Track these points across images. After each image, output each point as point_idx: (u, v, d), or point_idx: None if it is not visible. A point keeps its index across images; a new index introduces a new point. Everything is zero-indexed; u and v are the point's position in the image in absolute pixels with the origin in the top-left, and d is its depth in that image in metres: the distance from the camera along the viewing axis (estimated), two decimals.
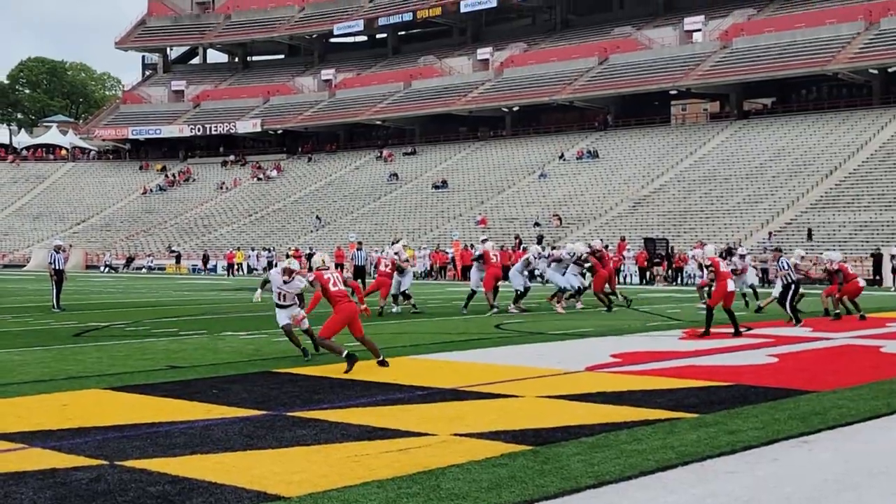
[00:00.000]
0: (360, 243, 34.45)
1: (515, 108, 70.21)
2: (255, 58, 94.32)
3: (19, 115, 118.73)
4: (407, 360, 12.84)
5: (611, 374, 11.38)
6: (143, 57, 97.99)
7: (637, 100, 65.94)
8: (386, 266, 21.73)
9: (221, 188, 75.52)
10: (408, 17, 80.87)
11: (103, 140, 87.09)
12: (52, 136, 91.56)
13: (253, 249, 57.40)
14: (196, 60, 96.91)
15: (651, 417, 8.26)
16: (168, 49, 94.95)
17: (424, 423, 8.07)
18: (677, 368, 11.76)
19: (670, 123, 65.40)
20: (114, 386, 10.38)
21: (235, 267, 54.41)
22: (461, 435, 7.54)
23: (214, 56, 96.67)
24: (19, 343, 15.16)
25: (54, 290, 22.76)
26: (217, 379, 10.92)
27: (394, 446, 7.10)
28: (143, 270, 58.65)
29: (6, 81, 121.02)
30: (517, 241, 45.23)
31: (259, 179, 75.86)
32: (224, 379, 10.93)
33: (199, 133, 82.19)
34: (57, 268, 23.17)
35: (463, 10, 77.43)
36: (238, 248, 57.05)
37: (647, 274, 41.78)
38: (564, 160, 62.73)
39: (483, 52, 76.08)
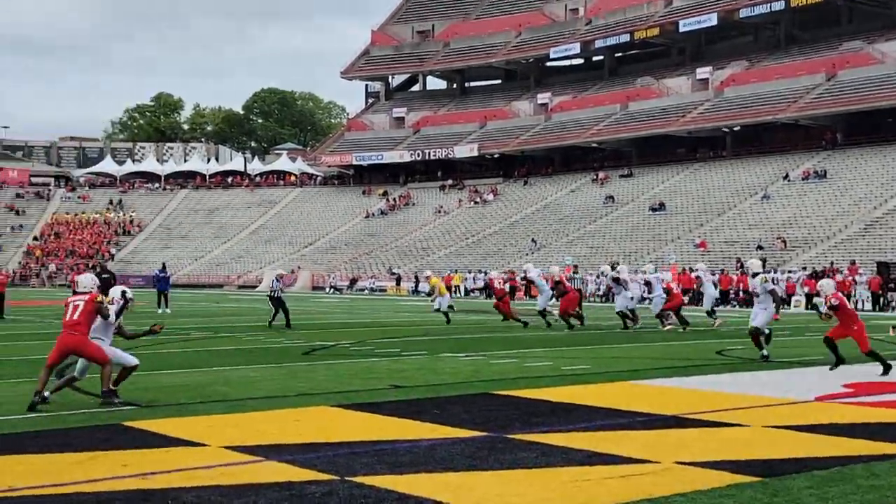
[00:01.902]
0: (575, 266, 34.40)
1: (736, 128, 68.20)
2: (472, 83, 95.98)
3: (253, 144, 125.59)
4: (627, 386, 12.68)
5: (843, 404, 10.84)
6: (367, 85, 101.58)
7: (868, 117, 62.65)
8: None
9: (439, 212, 77.14)
10: (625, 38, 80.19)
11: (329, 166, 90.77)
12: (282, 163, 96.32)
13: (469, 272, 58.21)
14: (416, 87, 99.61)
15: (889, 452, 7.81)
16: (390, 77, 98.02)
17: (646, 449, 7.95)
18: None
19: None
20: (341, 403, 10.77)
21: (453, 289, 55.34)
22: (685, 463, 7.37)
23: (433, 83, 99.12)
24: (253, 360, 15.98)
25: (273, 312, 24.65)
26: (438, 399, 11.14)
27: (616, 472, 7.03)
28: (366, 291, 60.60)
29: (241, 112, 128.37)
30: (738, 264, 43.84)
31: (476, 203, 77.01)
32: (445, 399, 11.13)
33: (418, 158, 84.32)
34: (274, 296, 25.00)
35: (682, 29, 76.05)
36: (455, 271, 58.01)
37: (881, 300, 39.52)
38: (789, 181, 60.35)
39: (702, 72, 74.44)
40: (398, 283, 60.77)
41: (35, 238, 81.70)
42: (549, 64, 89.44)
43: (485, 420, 9.53)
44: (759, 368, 14.93)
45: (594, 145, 76.41)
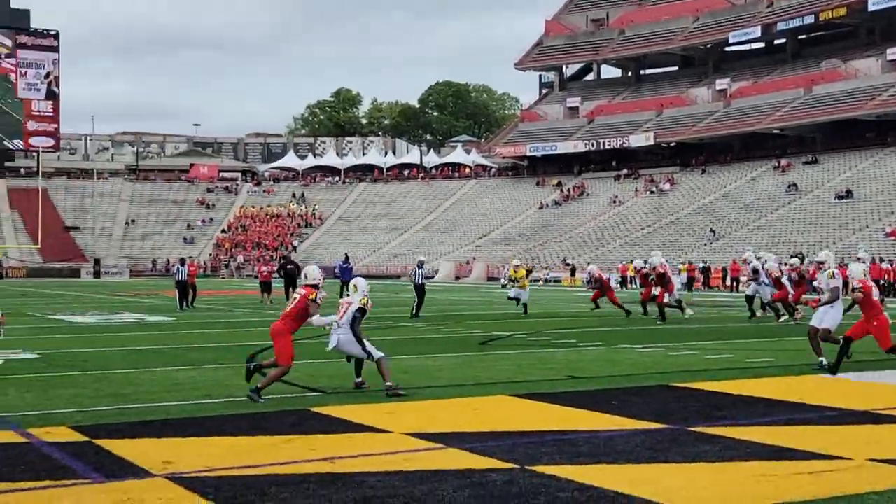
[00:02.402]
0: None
1: None
2: (647, 71, 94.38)
3: (428, 136, 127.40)
4: (814, 379, 12.23)
5: None
6: (541, 76, 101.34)
7: None
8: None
9: (614, 202, 76.26)
10: (809, 19, 77.07)
11: (503, 157, 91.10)
12: (457, 155, 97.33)
13: (646, 263, 57.31)
14: (590, 77, 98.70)
15: None
16: (564, 67, 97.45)
17: (836, 445, 7.66)
18: None
19: None
20: (519, 393, 10.82)
21: (628, 280, 54.63)
22: (879, 461, 7.07)
23: (608, 71, 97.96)
24: (431, 349, 16.24)
25: (416, 302, 25.58)
26: (616, 391, 11.04)
27: (804, 468, 6.81)
28: (540, 283, 60.61)
29: (417, 105, 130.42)
30: None
31: (652, 193, 75.75)
32: (623, 391, 11.02)
33: (592, 148, 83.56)
34: (417, 283, 26.00)
35: (871, 8, 72.43)
36: (631, 262, 57.25)
37: None
38: None
39: (893, 52, 70.75)
40: (573, 274, 60.48)
41: (223, 230, 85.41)
42: (727, 49, 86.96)
43: (664, 412, 9.39)
44: None
45: (776, 131, 73.82)
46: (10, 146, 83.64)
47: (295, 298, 10.74)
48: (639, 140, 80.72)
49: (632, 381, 11.90)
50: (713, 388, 11.16)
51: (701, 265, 51.64)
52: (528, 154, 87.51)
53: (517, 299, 27.09)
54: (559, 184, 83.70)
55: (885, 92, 67.92)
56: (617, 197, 77.05)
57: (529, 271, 27.88)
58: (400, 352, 15.73)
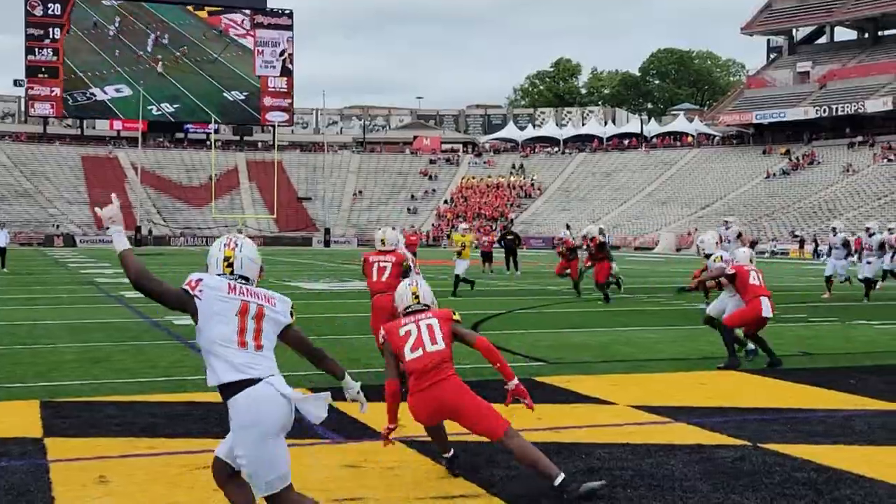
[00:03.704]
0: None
1: None
2: (886, 32, 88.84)
3: (649, 105, 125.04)
4: None
5: None
6: (769, 40, 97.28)
7: None
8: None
9: (847, 171, 72.48)
10: None
11: (727, 126, 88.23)
12: (678, 123, 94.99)
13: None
14: (822, 40, 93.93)
15: None
16: (794, 30, 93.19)
17: None
18: None
19: None
20: (747, 368, 10.52)
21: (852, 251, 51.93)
22: None
23: (841, 34, 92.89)
24: (654, 322, 16.02)
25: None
26: (853, 369, 10.55)
27: None
28: (766, 255, 58.49)
29: (638, 74, 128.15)
30: None
31: (889, 161, 71.46)
32: (860, 369, 10.52)
33: (824, 115, 79.61)
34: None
35: None
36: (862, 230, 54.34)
37: None
38: None
39: None
40: (801, 246, 58.04)
41: (445, 201, 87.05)
42: None
43: None
44: None
45: None
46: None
47: (385, 268, 9.80)
48: (875, 105, 76.22)
49: (870, 359, 11.35)
50: None
51: None
52: (755, 122, 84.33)
53: (465, 279, 23.16)
54: (787, 152, 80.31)
55: None
56: (850, 165, 73.20)
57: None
58: (621, 323, 15.62)
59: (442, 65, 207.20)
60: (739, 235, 19.01)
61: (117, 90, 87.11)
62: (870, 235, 19.89)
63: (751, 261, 11.19)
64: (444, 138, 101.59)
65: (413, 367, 5.88)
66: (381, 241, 10.00)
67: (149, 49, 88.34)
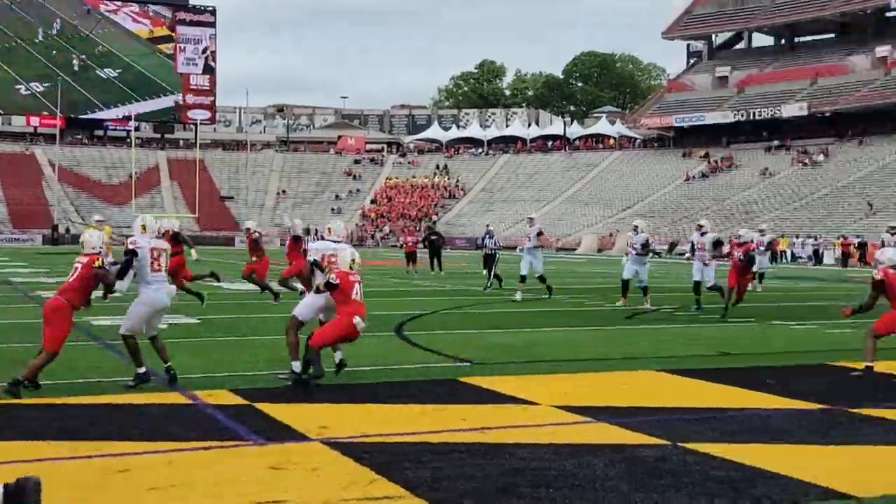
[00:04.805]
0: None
1: None
2: (801, 39, 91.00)
3: (572, 108, 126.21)
4: None
5: None
6: (688, 45, 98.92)
7: None
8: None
9: (765, 174, 74.07)
10: None
11: (648, 128, 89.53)
12: (601, 126, 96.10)
13: (797, 237, 55.65)
14: (741, 45, 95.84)
15: None
16: (713, 36, 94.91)
17: None
18: None
19: None
20: (667, 368, 10.67)
21: (779, 254, 53.10)
22: None
23: (759, 40, 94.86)
24: (575, 322, 16.17)
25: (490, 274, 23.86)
26: (771, 369, 10.77)
27: None
28: (686, 256, 59.43)
29: (561, 76, 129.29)
30: None
31: (804, 165, 73.22)
32: (778, 369, 10.74)
33: (742, 118, 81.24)
34: (488, 253, 24.37)
35: None
36: (781, 235, 55.57)
37: None
38: None
39: None
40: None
41: (372, 201, 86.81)
42: (889, 14, 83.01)
43: (822, 392, 9.11)
44: None
45: None
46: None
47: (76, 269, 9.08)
48: (791, 110, 78.04)
49: (787, 359, 11.60)
50: (879, 369, 10.76)
51: (856, 241, 49.70)
52: (675, 125, 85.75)
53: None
54: (706, 155, 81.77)
55: None
56: (767, 169, 74.84)
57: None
58: (545, 324, 15.73)
59: (367, 64, 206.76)
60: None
61: (34, 86, 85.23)
62: (702, 234, 19.11)
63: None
64: (368, 138, 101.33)
65: None
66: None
67: (67, 46, 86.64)
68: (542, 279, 21.55)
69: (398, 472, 5.97)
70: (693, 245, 19.11)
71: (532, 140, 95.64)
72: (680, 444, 6.77)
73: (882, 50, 78.20)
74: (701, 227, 19.75)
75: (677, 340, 13.61)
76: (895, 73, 74.80)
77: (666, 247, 45.37)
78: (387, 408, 8.18)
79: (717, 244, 18.97)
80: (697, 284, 18.65)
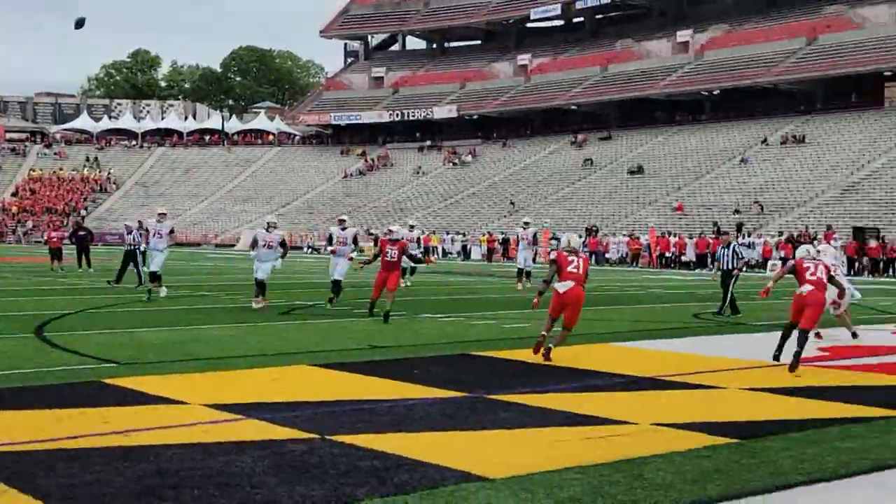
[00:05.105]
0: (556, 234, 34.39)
1: (716, 92, 68.27)
2: (452, 44, 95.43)
3: (230, 102, 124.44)
4: (605, 348, 12.76)
5: (818, 367, 10.98)
6: (346, 44, 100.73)
7: (847, 82, 62.85)
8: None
9: (418, 172, 76.96)
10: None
11: (307, 125, 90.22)
12: (260, 121, 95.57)
13: (448, 233, 58.32)
14: (396, 47, 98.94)
15: (864, 415, 7.92)
16: (369, 37, 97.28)
17: (625, 411, 8.02)
18: (890, 364, 11.20)
19: (884, 106, 61.93)
20: (320, 363, 10.78)
21: (431, 250, 55.36)
22: (662, 425, 7.45)
23: (413, 43, 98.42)
24: (231, 319, 15.96)
25: (135, 270, 23.28)
26: (418, 360, 11.17)
27: (595, 433, 7.10)
28: (328, 249, 60.44)
29: (219, 70, 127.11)
30: (716, 228, 44.10)
31: (454, 164, 76.86)
32: (424, 360, 11.16)
33: (397, 118, 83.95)
34: (130, 249, 23.78)
35: None
36: (433, 232, 58.01)
37: (857, 264, 39.87)
38: (767, 145, 60.55)
39: (683, 35, 74.27)
40: (376, 244, 60.70)
41: (12, 194, 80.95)
42: (529, 25, 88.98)
43: (464, 381, 9.58)
44: (734, 331, 15.07)
45: (573, 108, 76.31)
46: None
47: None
48: (442, 112, 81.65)
49: (434, 351, 12.07)
50: (512, 357, 11.47)
51: (501, 236, 52.85)
52: (333, 123, 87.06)
53: None
54: (363, 153, 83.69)
55: (674, 73, 71.28)
56: (420, 168, 77.78)
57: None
58: (199, 321, 15.40)
59: (7, 48, 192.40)
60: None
61: None
62: (343, 229, 20.25)
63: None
64: (8, 126, 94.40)
65: None
66: None
67: None
68: (153, 276, 20.46)
69: (29, 482, 5.58)
70: (331, 238, 19.38)
71: (189, 133, 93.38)
72: (328, 437, 6.84)
73: (523, 58, 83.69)
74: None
75: (330, 335, 13.80)
76: (535, 81, 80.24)
77: (323, 243, 45.83)
78: (20, 413, 7.64)
79: (355, 241, 19.89)
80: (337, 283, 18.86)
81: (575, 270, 11.27)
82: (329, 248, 19.76)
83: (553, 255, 11.80)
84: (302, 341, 12.95)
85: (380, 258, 16.41)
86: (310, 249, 61.27)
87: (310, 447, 6.55)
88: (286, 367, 10.46)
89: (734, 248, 18.13)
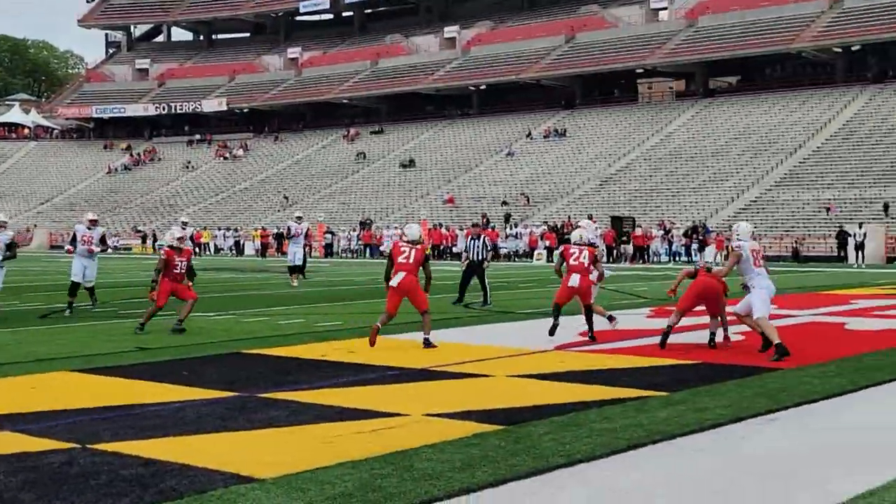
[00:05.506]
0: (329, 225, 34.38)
1: (482, 87, 70.12)
2: (219, 36, 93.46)
3: None
4: (383, 340, 12.83)
5: (580, 352, 11.47)
6: (107, 35, 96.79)
7: (604, 78, 66.08)
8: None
9: (187, 167, 74.97)
10: None
11: (66, 119, 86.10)
12: (14, 115, 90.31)
13: (220, 229, 57.15)
14: (160, 38, 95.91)
15: (620, 396, 8.34)
16: (132, 27, 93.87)
17: (396, 403, 8.11)
18: (645, 347, 11.86)
19: (637, 102, 65.55)
20: (82, 368, 10.31)
21: (202, 247, 54.09)
22: (433, 415, 7.58)
23: (179, 34, 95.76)
24: None
25: None
26: (187, 360, 10.88)
27: (366, 427, 7.13)
28: (109, 250, 58.15)
29: None
30: (484, 219, 45.30)
31: (225, 159, 75.36)
32: (194, 360, 10.89)
33: (164, 112, 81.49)
34: None
35: None
36: (205, 228, 56.70)
37: (615, 252, 42.00)
38: (531, 139, 62.80)
39: (450, 31, 75.85)
40: (144, 241, 58.75)
41: None
42: (298, 18, 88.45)
43: (235, 380, 9.41)
44: (501, 321, 15.54)
45: (345, 102, 76.48)
46: None
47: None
48: (211, 105, 79.94)
49: (203, 350, 11.79)
50: (283, 354, 11.37)
51: (275, 231, 52.31)
52: (95, 116, 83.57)
53: None
54: (128, 147, 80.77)
55: (442, 68, 72.69)
56: (190, 162, 75.86)
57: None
58: None
59: None
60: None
61: None
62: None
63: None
64: None
65: None
66: None
67: None
68: None
69: None
70: (75, 237, 18.29)
71: None
72: (89, 446, 6.55)
73: (293, 51, 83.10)
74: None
75: (95, 338, 13.23)
76: (306, 74, 79.83)
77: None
78: None
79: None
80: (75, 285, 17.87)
81: (405, 261, 11.93)
82: (67, 248, 18.71)
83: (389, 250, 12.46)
84: (63, 346, 12.34)
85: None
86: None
87: (69, 458, 6.24)
88: (45, 374, 9.93)
89: (484, 239, 18.74)
